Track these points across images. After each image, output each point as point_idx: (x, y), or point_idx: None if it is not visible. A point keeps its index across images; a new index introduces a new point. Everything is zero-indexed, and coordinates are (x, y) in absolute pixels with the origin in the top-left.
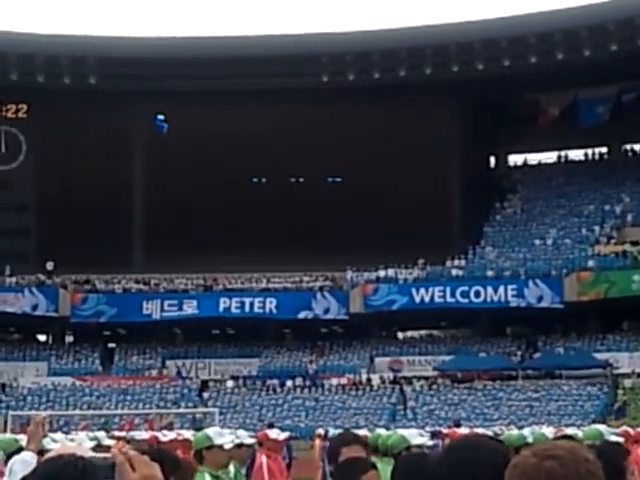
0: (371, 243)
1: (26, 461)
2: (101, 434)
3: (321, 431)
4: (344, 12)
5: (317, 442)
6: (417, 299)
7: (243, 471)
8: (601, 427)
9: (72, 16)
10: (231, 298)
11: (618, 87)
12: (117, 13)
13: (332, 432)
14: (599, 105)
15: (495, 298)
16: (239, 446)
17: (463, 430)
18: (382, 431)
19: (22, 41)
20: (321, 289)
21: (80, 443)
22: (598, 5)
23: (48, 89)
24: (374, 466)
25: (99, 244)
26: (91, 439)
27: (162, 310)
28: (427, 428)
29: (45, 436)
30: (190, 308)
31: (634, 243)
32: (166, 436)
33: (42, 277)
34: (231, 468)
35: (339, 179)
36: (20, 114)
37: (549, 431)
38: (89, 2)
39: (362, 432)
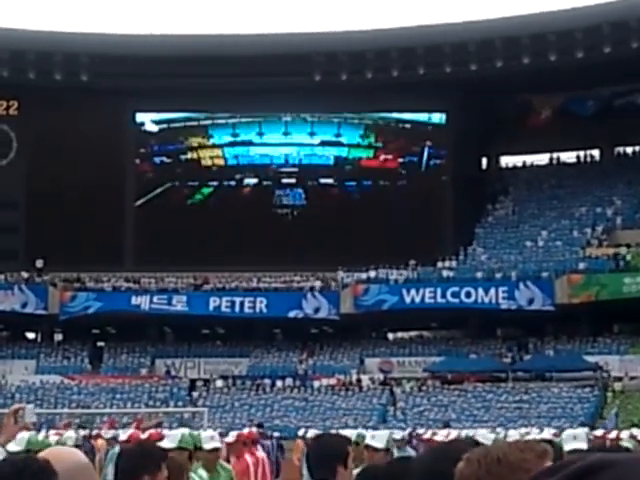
0: (362, 244)
1: None
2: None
3: (302, 432)
4: (337, 12)
5: (298, 443)
6: (407, 300)
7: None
8: (578, 431)
9: (64, 13)
10: (221, 297)
11: (611, 89)
12: (110, 10)
13: (311, 432)
14: (589, 99)
15: (486, 300)
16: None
17: (444, 432)
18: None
19: (14, 37)
20: (312, 289)
21: (65, 442)
22: (592, 7)
23: (39, 86)
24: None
25: (89, 242)
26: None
27: (151, 302)
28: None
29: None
30: (180, 304)
31: (625, 246)
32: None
33: (32, 275)
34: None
35: (331, 180)
36: (11, 111)
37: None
38: None
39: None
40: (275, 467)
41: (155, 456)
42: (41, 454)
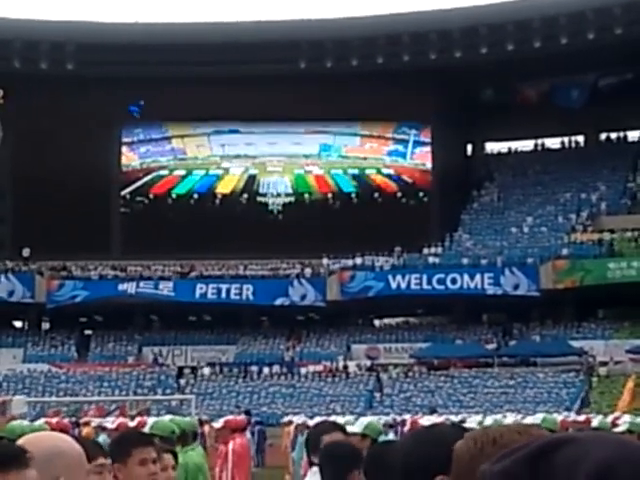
0: (348, 231)
1: None
2: None
3: (290, 418)
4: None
5: (288, 429)
6: (393, 286)
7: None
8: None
9: (50, 1)
10: (208, 284)
11: (595, 75)
12: None
13: (297, 419)
14: (575, 89)
15: (471, 285)
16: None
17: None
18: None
19: None
20: (298, 276)
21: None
22: None
23: (25, 74)
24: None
25: (76, 231)
26: None
27: (138, 289)
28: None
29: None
30: (166, 290)
31: (610, 231)
32: (142, 424)
33: (18, 263)
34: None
35: (316, 167)
36: None
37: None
38: None
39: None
40: (260, 455)
41: (125, 442)
42: (21, 439)
